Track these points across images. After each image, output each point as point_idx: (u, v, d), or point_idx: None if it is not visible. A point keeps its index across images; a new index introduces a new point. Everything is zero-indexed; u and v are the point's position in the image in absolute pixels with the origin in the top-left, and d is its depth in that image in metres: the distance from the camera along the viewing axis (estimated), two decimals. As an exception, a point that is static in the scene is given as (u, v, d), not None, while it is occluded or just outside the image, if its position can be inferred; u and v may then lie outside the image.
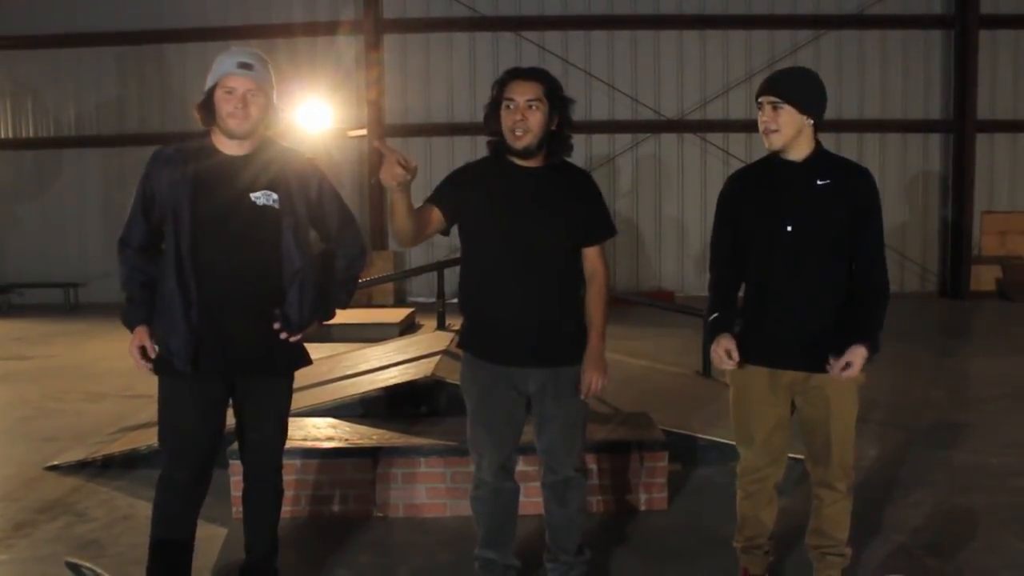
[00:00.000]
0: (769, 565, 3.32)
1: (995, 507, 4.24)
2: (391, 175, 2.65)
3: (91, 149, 13.80)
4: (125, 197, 3.21)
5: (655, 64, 13.19)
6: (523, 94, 2.90)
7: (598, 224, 3.07)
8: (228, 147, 2.95)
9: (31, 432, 5.86)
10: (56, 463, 4.97)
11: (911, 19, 12.95)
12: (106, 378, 7.56)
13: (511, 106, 2.90)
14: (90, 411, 6.42)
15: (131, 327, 2.96)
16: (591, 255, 3.07)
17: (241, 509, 3.31)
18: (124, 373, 7.20)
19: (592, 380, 3.00)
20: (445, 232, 3.08)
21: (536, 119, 2.90)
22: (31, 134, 14.01)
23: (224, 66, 2.88)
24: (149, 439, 4.53)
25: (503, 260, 2.97)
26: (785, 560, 3.53)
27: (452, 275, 4.22)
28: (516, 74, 2.96)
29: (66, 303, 13.39)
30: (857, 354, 2.86)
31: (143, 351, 2.92)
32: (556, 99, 2.94)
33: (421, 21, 13.08)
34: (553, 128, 2.95)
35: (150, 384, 3.08)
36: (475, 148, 11.41)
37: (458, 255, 3.18)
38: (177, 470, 3.02)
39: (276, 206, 2.95)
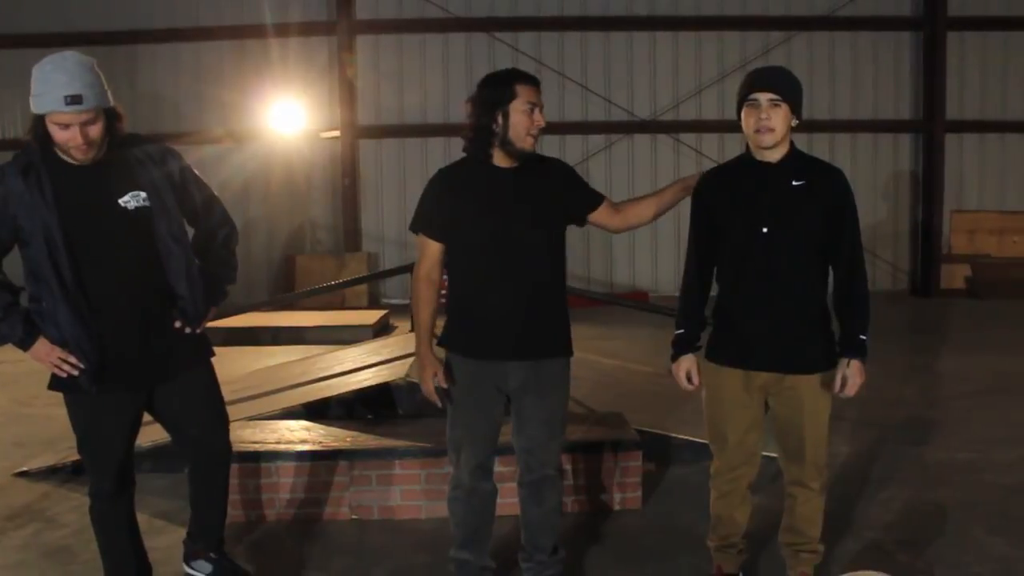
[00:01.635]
0: (743, 563, 3.34)
1: (965, 502, 4.29)
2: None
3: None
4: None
5: (628, 65, 13.21)
6: (538, 99, 2.96)
7: (591, 195, 3.22)
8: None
9: (-1, 438, 5.78)
10: (25, 469, 4.90)
11: (881, 21, 13.06)
12: (76, 382, 7.43)
13: (535, 111, 2.94)
14: (59, 416, 6.21)
15: (27, 345, 2.84)
16: (605, 205, 3.22)
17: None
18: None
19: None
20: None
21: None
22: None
23: (50, 101, 2.64)
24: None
25: (496, 260, 2.98)
26: (758, 557, 3.56)
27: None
28: (533, 80, 2.98)
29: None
30: (854, 369, 2.92)
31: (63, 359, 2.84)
32: None
33: (394, 22, 13.01)
34: None
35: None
36: (448, 149, 11.35)
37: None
38: (101, 481, 3.05)
39: (148, 204, 2.86)
